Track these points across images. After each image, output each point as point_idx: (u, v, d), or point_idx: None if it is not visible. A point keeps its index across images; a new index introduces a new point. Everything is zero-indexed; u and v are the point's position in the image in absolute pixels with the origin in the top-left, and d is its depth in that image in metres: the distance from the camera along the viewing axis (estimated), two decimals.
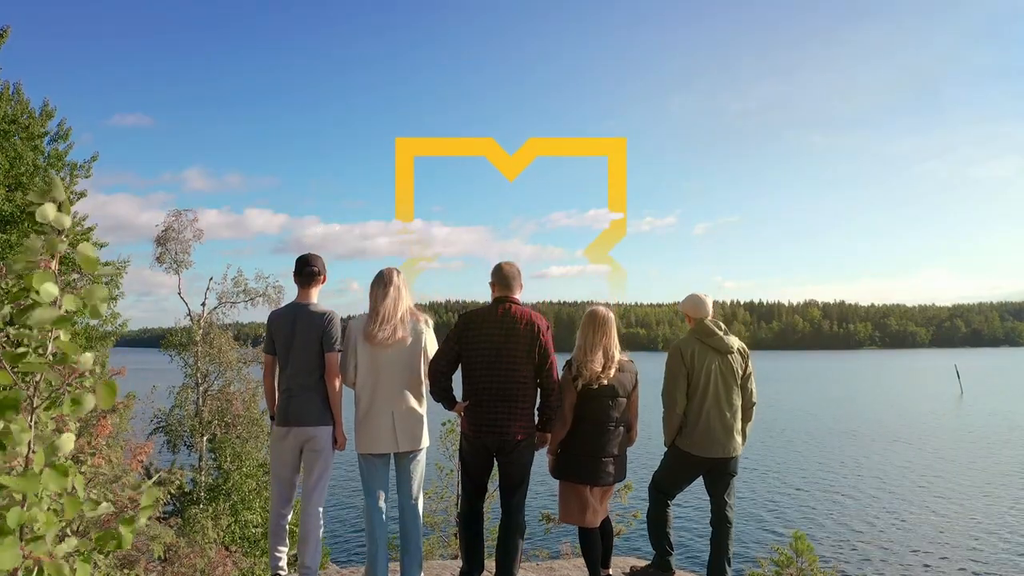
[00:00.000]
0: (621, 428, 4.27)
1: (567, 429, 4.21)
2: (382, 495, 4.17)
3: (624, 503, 7.74)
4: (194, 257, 16.05)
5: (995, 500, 19.91)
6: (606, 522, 4.42)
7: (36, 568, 1.71)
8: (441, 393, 4.07)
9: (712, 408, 4.46)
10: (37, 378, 1.82)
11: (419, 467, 4.23)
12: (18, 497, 1.85)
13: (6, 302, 1.96)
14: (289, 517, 4.29)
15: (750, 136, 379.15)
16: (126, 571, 7.97)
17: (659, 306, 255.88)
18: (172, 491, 8.27)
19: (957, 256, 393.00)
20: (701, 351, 4.51)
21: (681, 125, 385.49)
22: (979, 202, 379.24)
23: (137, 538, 8.24)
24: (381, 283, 4.13)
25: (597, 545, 4.31)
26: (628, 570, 4.74)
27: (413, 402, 4.13)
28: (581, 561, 4.52)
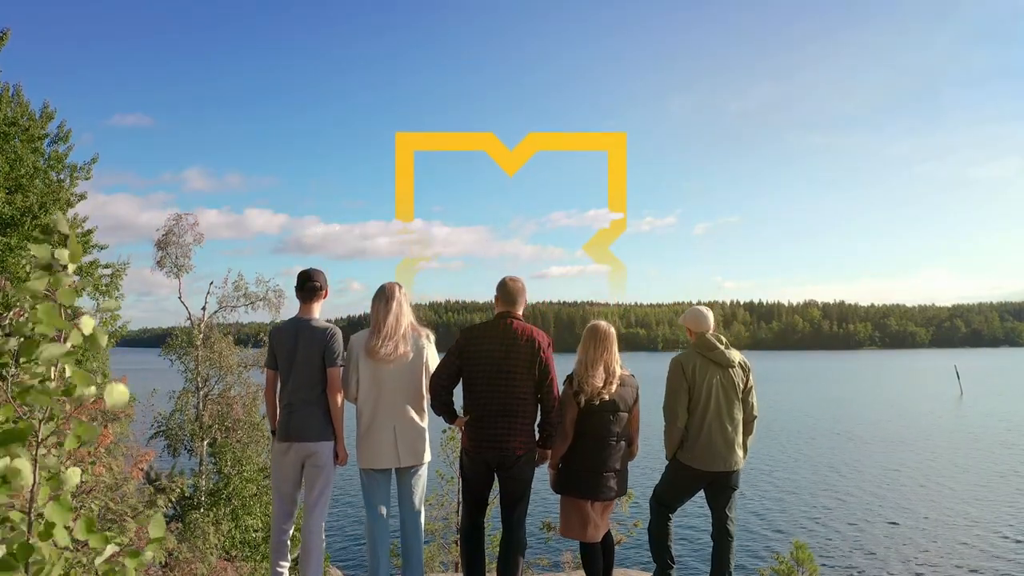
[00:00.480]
0: (622, 443, 4.28)
1: (568, 444, 4.22)
2: (384, 510, 4.19)
3: (625, 512, 7.75)
4: (194, 257, 16.10)
5: (992, 501, 19.93)
6: (607, 536, 4.43)
7: None
8: (442, 407, 4.09)
9: (713, 422, 4.47)
10: (43, 411, 1.84)
11: (420, 482, 4.24)
12: (24, 530, 1.87)
13: (11, 335, 1.98)
14: (291, 532, 4.30)
15: (750, 136, 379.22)
16: None
17: (659, 306, 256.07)
18: (172, 499, 8.26)
19: (957, 256, 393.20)
20: (702, 365, 4.52)
21: (681, 125, 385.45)
22: (979, 202, 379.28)
23: (138, 542, 8.24)
24: (383, 298, 4.14)
25: (598, 559, 4.32)
26: None
27: (415, 417, 4.15)
28: (582, 573, 4.53)
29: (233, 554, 12.32)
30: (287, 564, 4.26)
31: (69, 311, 1.89)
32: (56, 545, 1.75)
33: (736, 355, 4.59)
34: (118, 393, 1.83)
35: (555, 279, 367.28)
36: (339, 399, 4.13)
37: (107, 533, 1.90)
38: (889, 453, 28.49)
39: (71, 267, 1.87)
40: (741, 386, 4.58)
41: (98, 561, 1.73)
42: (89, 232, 17.83)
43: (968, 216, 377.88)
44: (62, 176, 17.71)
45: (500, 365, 4.01)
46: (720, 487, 4.57)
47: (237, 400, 14.26)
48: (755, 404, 4.64)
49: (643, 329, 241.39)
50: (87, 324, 1.87)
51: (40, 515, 1.72)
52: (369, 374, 4.10)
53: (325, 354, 4.09)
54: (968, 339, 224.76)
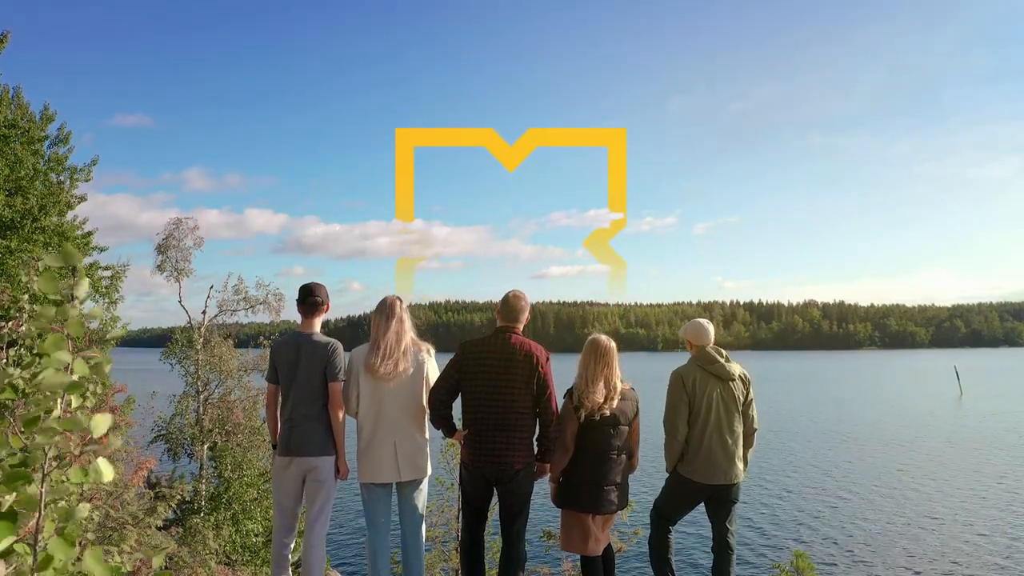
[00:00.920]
0: (623, 456, 4.30)
1: (569, 457, 4.24)
2: (384, 524, 4.21)
3: (625, 520, 7.76)
4: (194, 260, 16.09)
5: (992, 502, 19.94)
6: (607, 549, 4.44)
7: None
8: (441, 421, 4.13)
9: (714, 435, 4.49)
10: (49, 445, 1.85)
11: (421, 496, 4.26)
12: (29, 562, 1.88)
13: (18, 366, 1.99)
14: (292, 546, 4.32)
15: (750, 136, 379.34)
16: None
17: (659, 306, 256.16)
18: (172, 505, 8.28)
19: (957, 256, 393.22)
20: (702, 378, 4.54)
21: (681, 125, 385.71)
22: (979, 202, 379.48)
23: (138, 548, 8.25)
24: (384, 315, 4.15)
25: (599, 573, 4.33)
26: None
27: (415, 432, 4.17)
28: None
29: (233, 558, 12.33)
30: None
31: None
32: None
33: (736, 368, 4.61)
34: (103, 424, 1.86)
35: (555, 279, 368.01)
36: (340, 414, 4.15)
37: (114, 564, 1.91)
38: (889, 455, 28.49)
39: (80, 296, 1.89)
40: (741, 399, 4.59)
41: None
42: (89, 234, 17.83)
43: (968, 216, 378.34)
44: (62, 178, 17.72)
45: (498, 380, 4.03)
46: (720, 500, 4.58)
47: (237, 404, 14.26)
48: (755, 417, 4.66)
49: (643, 329, 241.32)
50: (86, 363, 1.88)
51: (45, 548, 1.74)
52: (369, 390, 4.12)
53: (326, 369, 4.11)
54: (968, 339, 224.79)
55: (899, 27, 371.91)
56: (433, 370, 4.26)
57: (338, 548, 14.95)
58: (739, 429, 4.56)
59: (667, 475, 4.71)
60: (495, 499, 4.29)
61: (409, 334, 4.18)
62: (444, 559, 9.05)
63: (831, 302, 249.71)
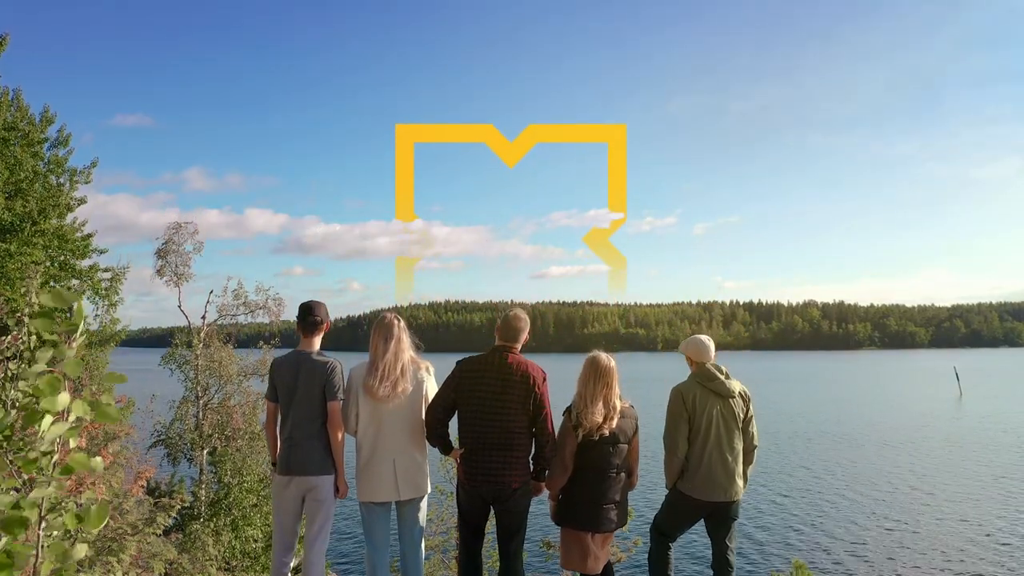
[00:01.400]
0: (622, 474, 4.29)
1: (568, 475, 4.23)
2: (383, 542, 4.21)
3: (625, 530, 7.74)
4: (194, 263, 16.09)
5: (991, 505, 19.94)
6: (607, 567, 4.43)
7: None
8: (437, 440, 4.14)
9: (714, 452, 4.49)
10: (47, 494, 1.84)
11: (421, 514, 4.26)
12: None
13: (14, 410, 1.98)
14: (291, 564, 4.31)
15: (750, 136, 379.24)
16: None
17: (659, 306, 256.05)
18: (172, 515, 8.28)
19: (957, 256, 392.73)
20: (703, 395, 4.53)
21: (682, 125, 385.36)
22: (979, 203, 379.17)
23: (138, 555, 8.25)
24: (382, 335, 4.14)
25: None
26: None
27: (414, 450, 4.17)
28: None
29: (233, 564, 12.33)
30: None
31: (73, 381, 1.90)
32: None
33: (736, 385, 4.61)
34: (96, 465, 1.86)
35: (555, 279, 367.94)
36: (339, 434, 4.15)
37: None
38: (889, 457, 28.49)
39: (78, 339, 1.89)
40: (741, 416, 4.59)
41: None
42: (89, 236, 17.82)
43: (968, 216, 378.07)
44: (62, 180, 17.72)
45: (495, 399, 4.03)
46: (720, 517, 4.58)
47: (237, 409, 14.28)
48: (755, 434, 4.66)
49: (643, 329, 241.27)
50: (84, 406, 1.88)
51: None
52: (368, 409, 4.12)
53: (325, 388, 4.11)
54: (967, 339, 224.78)
55: (899, 28, 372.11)
56: (432, 388, 4.25)
57: (337, 557, 14.94)
58: (739, 446, 4.56)
59: (667, 491, 4.71)
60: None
61: (407, 353, 4.17)
62: (444, 566, 9.05)
63: (831, 302, 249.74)
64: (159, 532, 7.93)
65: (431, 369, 4.32)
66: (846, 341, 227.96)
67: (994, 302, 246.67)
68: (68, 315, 1.92)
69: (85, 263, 17.42)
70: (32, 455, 1.88)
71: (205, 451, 14.41)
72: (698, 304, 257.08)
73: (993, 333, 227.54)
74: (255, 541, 13.02)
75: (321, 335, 4.31)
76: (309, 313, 4.25)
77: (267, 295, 15.39)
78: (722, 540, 4.62)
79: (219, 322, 15.62)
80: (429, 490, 4.32)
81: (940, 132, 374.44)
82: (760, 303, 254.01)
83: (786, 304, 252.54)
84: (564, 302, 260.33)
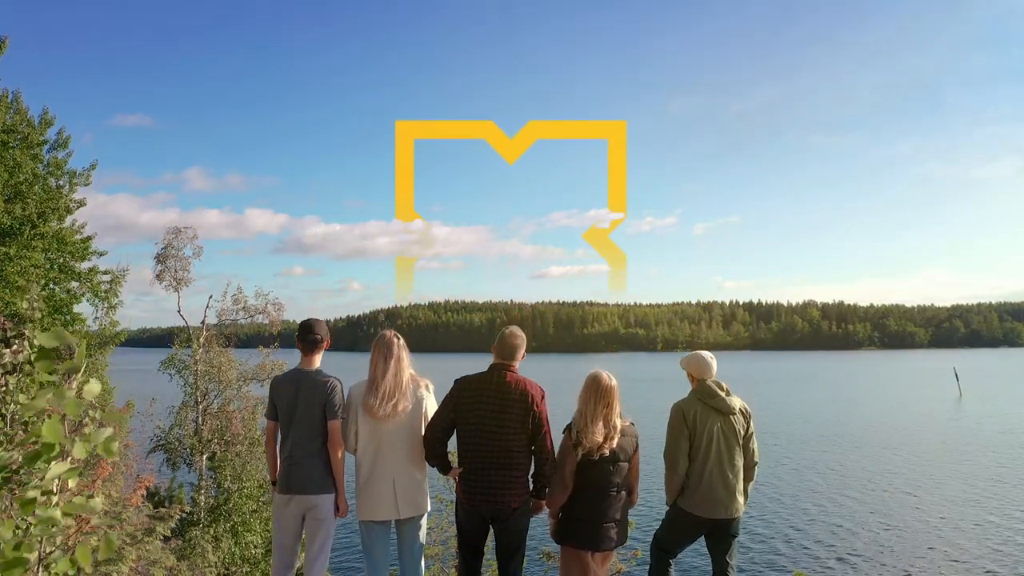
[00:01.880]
0: (623, 493, 4.29)
1: (568, 494, 4.23)
2: (383, 560, 4.20)
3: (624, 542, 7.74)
4: (193, 268, 16.09)
5: (990, 508, 19.96)
6: None
7: None
8: (436, 459, 4.14)
9: (714, 469, 4.48)
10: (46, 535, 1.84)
11: (420, 533, 4.26)
12: None
13: (17, 450, 1.98)
14: None
15: (750, 137, 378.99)
16: None
17: (659, 306, 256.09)
18: (172, 526, 8.26)
19: (957, 256, 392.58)
20: (703, 412, 4.53)
21: (682, 125, 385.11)
22: (979, 203, 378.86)
23: (137, 562, 8.24)
24: (382, 354, 4.13)
25: None
26: None
27: (414, 469, 4.17)
28: None
29: (233, 570, 12.33)
30: None
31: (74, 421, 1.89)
32: None
33: (737, 402, 4.61)
34: (95, 506, 1.86)
35: (555, 279, 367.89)
36: (339, 453, 4.15)
37: None
38: (888, 460, 28.48)
39: (78, 380, 1.88)
40: (742, 432, 4.59)
41: None
42: (88, 238, 17.81)
43: (968, 216, 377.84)
44: (61, 182, 17.70)
45: (494, 418, 4.04)
46: (721, 534, 4.58)
47: (236, 414, 14.28)
48: (756, 450, 4.66)
49: (642, 329, 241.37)
50: (85, 443, 1.87)
51: None
52: (368, 428, 4.12)
53: (326, 407, 4.10)
54: (967, 339, 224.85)
55: (899, 28, 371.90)
56: (432, 407, 4.25)
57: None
58: (739, 463, 4.56)
59: (667, 508, 4.70)
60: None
61: (407, 371, 4.17)
62: (444, 575, 9.03)
63: (831, 302, 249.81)
64: (159, 541, 7.91)
65: (431, 387, 4.32)
66: (846, 341, 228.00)
67: (994, 302, 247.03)
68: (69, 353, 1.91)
69: (84, 265, 17.41)
70: (31, 494, 1.88)
71: (204, 456, 14.41)
72: (698, 304, 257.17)
73: (993, 333, 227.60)
74: (255, 547, 13.01)
75: (321, 353, 4.31)
76: (309, 331, 4.25)
77: (266, 299, 15.41)
78: (722, 557, 4.61)
79: (219, 326, 15.62)
80: (429, 508, 4.32)
81: (940, 132, 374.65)
82: (760, 303, 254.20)
83: (786, 304, 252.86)
84: (564, 302, 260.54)
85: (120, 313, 17.09)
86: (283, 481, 4.14)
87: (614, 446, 4.17)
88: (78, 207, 17.89)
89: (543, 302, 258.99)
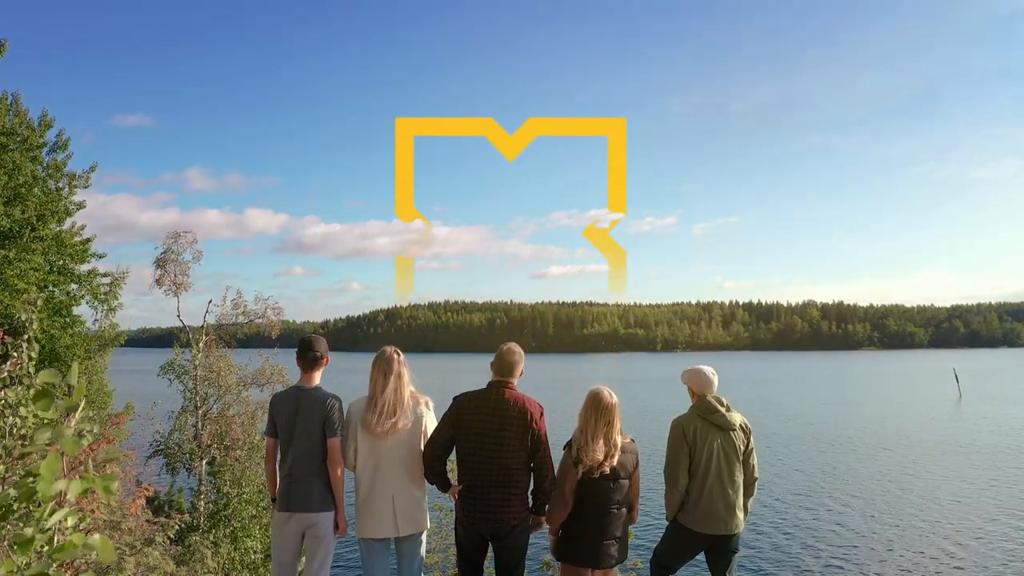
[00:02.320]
0: (623, 510, 4.28)
1: (568, 511, 4.22)
2: None
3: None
4: (192, 272, 16.07)
5: (990, 509, 19.96)
6: None
7: None
8: (435, 476, 4.13)
9: (714, 485, 4.48)
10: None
11: (420, 549, 4.25)
12: None
13: (13, 489, 1.96)
14: None
15: (750, 137, 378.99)
16: None
17: (659, 306, 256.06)
18: (171, 535, 8.26)
19: (957, 256, 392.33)
20: (703, 428, 4.52)
21: (681, 125, 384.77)
22: (978, 203, 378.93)
23: (137, 568, 8.23)
24: (382, 370, 4.13)
25: None
26: None
27: (413, 486, 4.16)
28: None
29: None
30: None
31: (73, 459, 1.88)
32: None
33: (737, 418, 4.60)
34: (94, 544, 1.85)
35: (555, 279, 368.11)
36: (339, 470, 4.14)
37: None
38: (888, 462, 28.48)
39: (76, 415, 1.87)
40: (742, 448, 4.58)
41: None
42: (88, 241, 17.80)
43: (967, 216, 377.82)
44: (61, 184, 17.68)
45: (493, 436, 4.04)
46: (721, 550, 4.58)
47: (236, 419, 14.27)
48: (756, 466, 4.65)
49: (642, 330, 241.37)
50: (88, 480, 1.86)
51: None
52: (367, 445, 4.11)
53: (325, 425, 4.10)
54: (967, 340, 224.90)
55: (899, 28, 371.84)
56: (431, 424, 4.24)
57: None
58: (740, 479, 4.55)
59: (667, 523, 4.70)
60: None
61: (408, 388, 4.16)
62: None
63: (830, 302, 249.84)
64: (159, 552, 7.90)
65: (431, 404, 4.31)
66: (845, 341, 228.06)
67: (993, 302, 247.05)
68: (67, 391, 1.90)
69: (84, 268, 17.40)
70: (29, 531, 1.86)
71: (204, 461, 14.40)
72: (698, 304, 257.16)
73: (992, 333, 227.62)
74: (254, 553, 13.00)
75: (321, 370, 4.30)
76: (309, 348, 4.24)
77: (266, 304, 15.41)
78: (722, 573, 4.61)
79: (218, 330, 15.61)
80: (428, 525, 4.31)
81: (940, 132, 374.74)
82: (760, 303, 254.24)
83: (786, 304, 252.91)
84: (564, 302, 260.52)
85: (120, 314, 17.10)
86: (283, 499, 4.13)
87: (614, 463, 4.16)
88: (78, 209, 17.88)
89: (543, 302, 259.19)
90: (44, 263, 16.49)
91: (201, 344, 15.15)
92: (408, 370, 4.21)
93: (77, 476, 1.89)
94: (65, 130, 17.72)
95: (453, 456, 4.25)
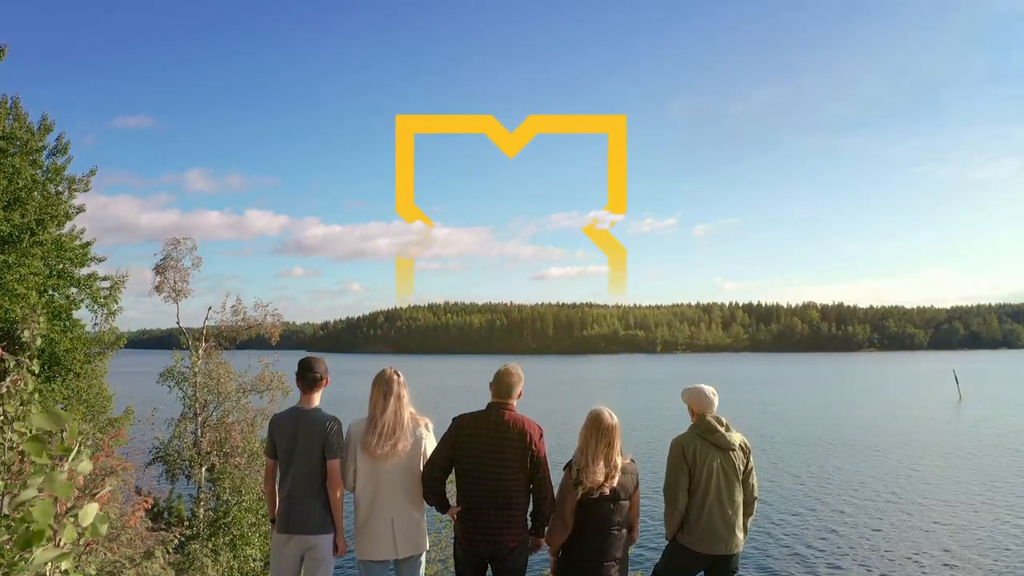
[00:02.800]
0: (624, 531, 4.26)
1: (568, 533, 4.20)
2: None
3: None
4: (192, 279, 16.05)
5: (986, 511, 19.93)
6: None
7: None
8: (435, 498, 4.12)
9: (714, 505, 4.46)
10: None
11: (419, 571, 4.24)
12: None
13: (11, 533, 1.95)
14: None
15: (750, 138, 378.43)
16: None
17: (658, 308, 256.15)
18: (170, 549, 8.24)
19: (957, 257, 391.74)
20: (703, 448, 4.51)
21: (681, 127, 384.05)
22: (978, 204, 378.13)
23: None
24: (382, 392, 4.11)
25: None
26: None
27: (412, 508, 4.15)
28: None
29: None
30: None
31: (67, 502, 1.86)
32: None
33: (737, 437, 4.59)
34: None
35: (555, 280, 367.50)
36: (338, 492, 4.12)
37: None
38: (887, 463, 28.46)
39: (69, 459, 1.85)
40: (741, 468, 4.57)
41: None
42: (87, 244, 17.78)
43: (967, 217, 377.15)
44: (60, 188, 17.66)
45: (492, 457, 4.02)
46: (720, 570, 4.56)
47: (235, 426, 14.25)
48: (755, 486, 4.64)
49: (642, 331, 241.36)
50: (87, 515, 1.85)
51: None
52: (367, 467, 4.10)
53: (325, 446, 4.08)
54: (967, 341, 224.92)
55: (899, 29, 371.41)
56: (431, 446, 4.23)
57: None
58: (739, 499, 4.54)
59: (667, 543, 4.68)
60: None
61: (408, 410, 4.15)
62: None
63: (830, 304, 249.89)
64: (159, 565, 7.88)
65: (430, 426, 4.30)
66: (845, 343, 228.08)
67: (993, 303, 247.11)
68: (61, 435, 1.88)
69: (84, 271, 17.37)
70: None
71: (203, 468, 14.38)
72: (697, 305, 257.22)
73: (992, 335, 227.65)
74: (254, 560, 12.98)
75: (321, 391, 4.28)
76: (309, 370, 4.23)
77: (265, 311, 15.40)
78: None
79: (217, 336, 15.59)
80: (427, 547, 4.30)
81: (940, 132, 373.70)
82: (759, 304, 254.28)
83: (785, 306, 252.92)
84: (564, 303, 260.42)
85: (120, 316, 17.07)
86: (282, 520, 4.12)
87: (615, 484, 4.14)
88: (77, 213, 17.86)
89: (543, 303, 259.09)
90: (44, 267, 16.48)
91: (200, 351, 15.13)
92: (408, 391, 4.20)
93: (71, 519, 1.87)
94: (65, 133, 17.70)
95: (452, 477, 4.23)
